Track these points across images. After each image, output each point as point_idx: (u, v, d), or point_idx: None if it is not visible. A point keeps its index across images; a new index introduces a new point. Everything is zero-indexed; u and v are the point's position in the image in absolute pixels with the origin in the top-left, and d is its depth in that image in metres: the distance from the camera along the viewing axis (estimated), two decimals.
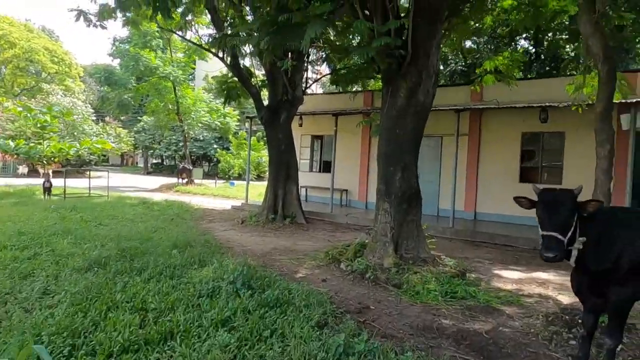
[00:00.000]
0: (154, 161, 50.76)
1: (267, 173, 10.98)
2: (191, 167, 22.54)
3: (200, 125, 23.73)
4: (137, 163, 60.64)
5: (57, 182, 14.84)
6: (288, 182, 10.71)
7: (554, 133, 10.83)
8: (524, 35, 16.81)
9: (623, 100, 8.19)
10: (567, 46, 16.35)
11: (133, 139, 38.57)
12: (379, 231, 6.22)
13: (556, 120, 10.32)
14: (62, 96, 28.83)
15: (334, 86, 13.85)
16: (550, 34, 16.40)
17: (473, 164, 11.83)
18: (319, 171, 15.21)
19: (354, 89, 13.33)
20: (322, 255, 6.74)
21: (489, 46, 16.77)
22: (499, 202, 11.42)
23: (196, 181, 24.14)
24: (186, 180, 22.39)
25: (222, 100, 12.68)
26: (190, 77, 44.81)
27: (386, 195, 6.17)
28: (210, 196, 19.35)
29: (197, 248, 6.90)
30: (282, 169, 10.61)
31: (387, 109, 6.22)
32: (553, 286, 6.03)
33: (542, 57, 16.41)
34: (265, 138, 11.16)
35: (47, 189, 13.41)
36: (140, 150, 47.83)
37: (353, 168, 14.01)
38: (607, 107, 4.46)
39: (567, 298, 5.30)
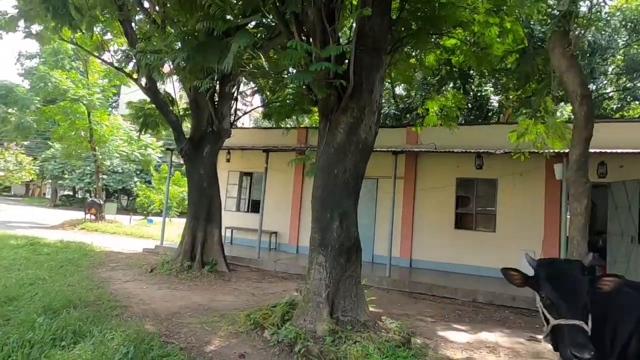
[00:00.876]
0: (66, 193, 45.81)
1: (187, 213, 9.58)
2: (101, 202, 20.07)
3: (117, 156, 21.46)
4: (44, 194, 54.44)
5: None
6: (210, 224, 9.40)
7: (487, 180, 10.77)
8: (450, 85, 17.45)
9: (557, 150, 8.20)
10: (492, 97, 17.16)
11: (38, 167, 34.38)
12: (312, 289, 5.21)
13: (490, 166, 10.26)
14: None
15: (266, 120, 13.01)
16: (475, 85, 17.14)
17: (409, 208, 11.40)
18: (247, 211, 13.99)
19: (287, 125, 12.58)
20: (242, 317, 5.53)
21: (420, 93, 17.14)
22: (435, 249, 10.99)
23: (108, 217, 21.53)
24: (95, 216, 19.82)
25: (139, 131, 11.21)
26: (114, 104, 41.88)
27: (321, 247, 5.22)
28: (122, 235, 17.12)
29: (80, 310, 5.37)
30: (203, 209, 9.31)
31: (324, 146, 5.40)
32: (504, 351, 5.35)
33: (469, 106, 17.06)
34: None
35: None
36: (50, 180, 42.85)
37: (284, 209, 13.01)
38: (584, 154, 3.99)
39: None
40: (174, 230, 18.35)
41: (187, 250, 9.09)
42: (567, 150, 8.04)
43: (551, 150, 7.00)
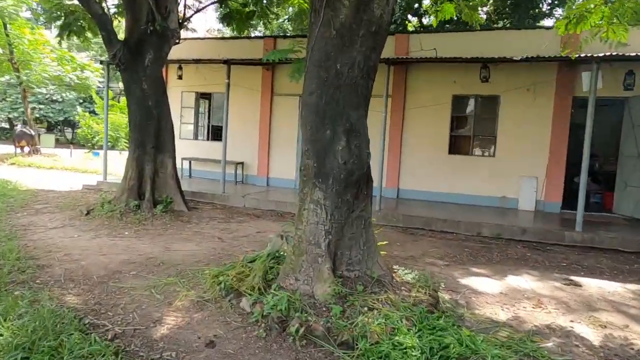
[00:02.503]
0: (2, 125, 41.01)
1: (129, 140, 7.61)
2: (33, 132, 17.26)
3: (47, 78, 18.19)
4: None
5: None
6: (160, 154, 7.53)
7: (488, 97, 9.32)
8: None
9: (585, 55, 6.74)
10: None
11: None
12: (306, 237, 3.69)
13: (492, 81, 8.74)
14: None
15: (227, 28, 10.68)
16: None
17: (396, 131, 9.89)
18: (207, 139, 12.03)
19: (251, 34, 10.39)
20: (209, 279, 3.99)
21: None
22: (426, 177, 9.74)
23: (45, 151, 18.82)
24: (28, 149, 17.12)
25: (58, 36, 8.69)
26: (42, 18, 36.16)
27: (318, 178, 3.62)
28: (61, 170, 14.81)
29: None
30: (150, 134, 7.37)
31: (320, 29, 3.58)
32: (549, 302, 4.20)
33: None
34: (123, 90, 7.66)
35: None
36: None
37: (251, 134, 11.17)
38: None
39: (592, 327, 3.45)
40: (123, 163, 16.16)
41: (133, 186, 7.28)
42: (601, 54, 6.61)
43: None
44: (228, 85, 9.01)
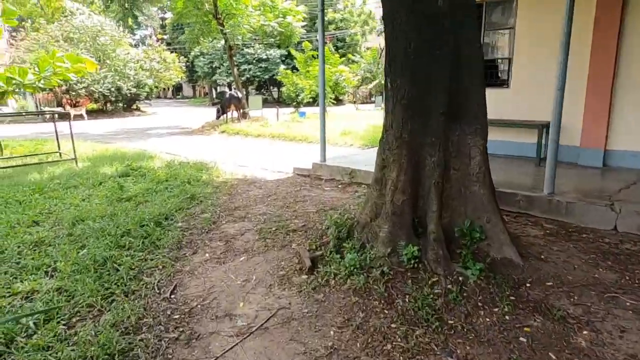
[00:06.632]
0: (220, 90, 45.12)
1: (385, 100, 3.42)
2: (240, 95, 15.59)
3: (250, 30, 16.16)
4: (206, 94, 55.85)
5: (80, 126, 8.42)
6: (457, 128, 3.18)
7: None
8: None
9: None
10: None
11: (186, 65, 32.51)
12: None
13: None
14: (87, 17, 22.86)
15: None
16: None
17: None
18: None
19: None
20: None
21: None
22: None
23: (252, 113, 17.33)
24: (237, 114, 15.65)
25: None
26: None
27: None
28: (268, 138, 12.49)
29: None
30: (436, 88, 3.04)
31: None
32: None
33: None
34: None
35: None
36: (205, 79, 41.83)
37: (570, 76, 5.88)
38: None
39: None
40: (333, 126, 12.95)
41: (401, 204, 3.15)
42: None
43: None
44: None
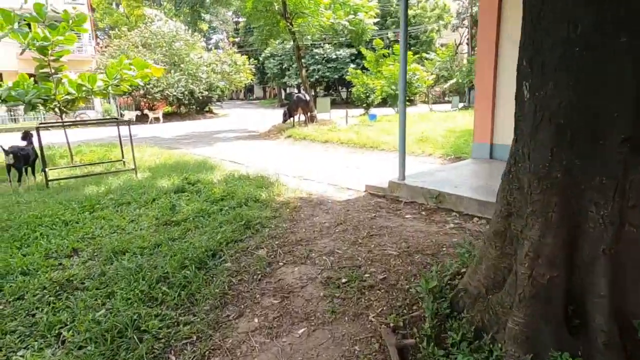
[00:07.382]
0: (289, 91, 45.23)
1: (516, 118, 2.35)
2: (308, 97, 14.84)
3: (320, 29, 15.38)
4: (276, 95, 56.63)
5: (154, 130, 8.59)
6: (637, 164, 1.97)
7: None
8: None
9: None
10: None
11: (257, 67, 32.70)
12: None
13: None
14: (164, 23, 23.63)
15: None
16: None
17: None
18: None
19: None
20: None
21: None
22: None
23: (320, 116, 16.54)
24: (304, 117, 14.94)
25: None
26: None
27: None
28: (336, 143, 11.59)
29: None
30: (620, 105, 1.86)
31: None
32: None
33: None
34: None
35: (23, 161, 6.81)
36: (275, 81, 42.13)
37: None
38: None
39: None
40: (407, 130, 11.66)
41: (549, 286, 2.02)
42: None
43: None
44: None
